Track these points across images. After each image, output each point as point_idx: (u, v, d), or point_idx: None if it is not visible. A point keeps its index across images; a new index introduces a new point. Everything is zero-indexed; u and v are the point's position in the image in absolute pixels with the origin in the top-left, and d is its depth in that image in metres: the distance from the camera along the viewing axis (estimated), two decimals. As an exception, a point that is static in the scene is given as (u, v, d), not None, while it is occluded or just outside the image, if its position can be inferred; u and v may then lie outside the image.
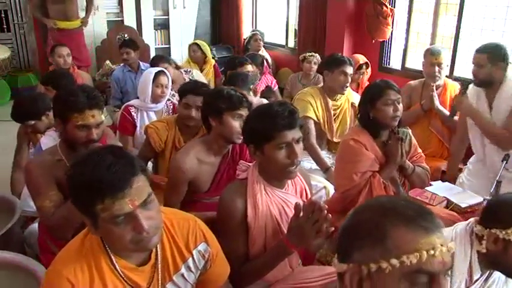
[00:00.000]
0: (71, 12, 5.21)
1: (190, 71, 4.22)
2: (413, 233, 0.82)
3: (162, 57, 4.06)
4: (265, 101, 3.03)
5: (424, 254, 0.80)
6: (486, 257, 1.39)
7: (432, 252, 0.81)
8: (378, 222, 0.85)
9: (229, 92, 2.06)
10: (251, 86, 2.87)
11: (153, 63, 3.88)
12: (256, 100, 2.94)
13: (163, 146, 2.59)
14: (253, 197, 1.65)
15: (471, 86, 2.69)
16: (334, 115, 3.19)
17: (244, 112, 2.05)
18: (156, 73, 3.09)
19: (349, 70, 3.06)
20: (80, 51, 5.25)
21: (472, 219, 1.47)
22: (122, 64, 4.49)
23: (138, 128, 3.07)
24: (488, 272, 1.46)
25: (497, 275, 1.48)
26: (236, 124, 2.03)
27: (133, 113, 3.10)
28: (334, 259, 0.93)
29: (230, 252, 1.65)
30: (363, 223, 0.88)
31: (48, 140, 2.49)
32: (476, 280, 1.44)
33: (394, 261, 0.81)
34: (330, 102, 3.16)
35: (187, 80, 4.00)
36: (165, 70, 3.18)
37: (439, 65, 3.10)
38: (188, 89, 2.53)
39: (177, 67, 4.17)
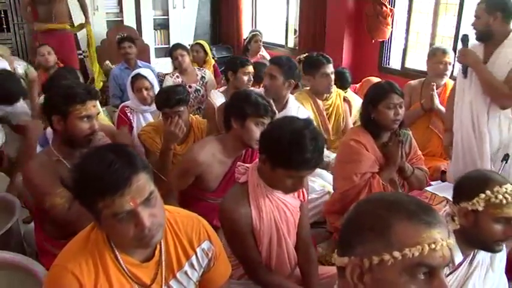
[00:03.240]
0: (59, 13, 4.95)
1: (204, 70, 4.28)
2: (416, 227, 0.84)
3: (181, 44, 4.17)
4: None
5: (425, 247, 0.82)
6: (462, 234, 1.43)
7: (433, 246, 0.82)
8: (381, 216, 0.86)
9: (256, 98, 2.06)
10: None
11: (172, 49, 4.08)
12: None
13: (154, 149, 2.58)
14: (256, 200, 1.65)
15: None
16: (327, 115, 3.19)
17: (267, 120, 2.05)
18: (132, 78, 3.09)
19: (329, 69, 3.05)
20: (67, 56, 4.91)
21: (446, 206, 1.51)
22: (120, 63, 4.51)
23: (134, 130, 3.05)
24: (471, 254, 1.50)
25: (481, 257, 1.52)
26: (257, 130, 2.03)
27: (128, 114, 3.10)
28: (334, 254, 0.93)
29: (244, 257, 1.69)
30: (365, 216, 0.89)
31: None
32: (460, 264, 1.47)
33: (397, 254, 0.82)
34: (321, 104, 3.16)
35: (199, 76, 4.09)
36: (142, 73, 3.12)
37: (446, 63, 3.12)
38: (162, 102, 2.51)
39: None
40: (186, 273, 1.33)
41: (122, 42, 4.43)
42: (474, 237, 1.42)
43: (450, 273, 1.45)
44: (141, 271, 1.24)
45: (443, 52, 3.13)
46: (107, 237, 1.20)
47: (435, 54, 3.16)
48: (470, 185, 1.43)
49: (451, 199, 2.25)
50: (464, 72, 2.54)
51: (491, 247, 1.43)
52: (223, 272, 1.46)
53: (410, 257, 0.82)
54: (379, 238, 0.84)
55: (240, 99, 2.08)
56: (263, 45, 5.54)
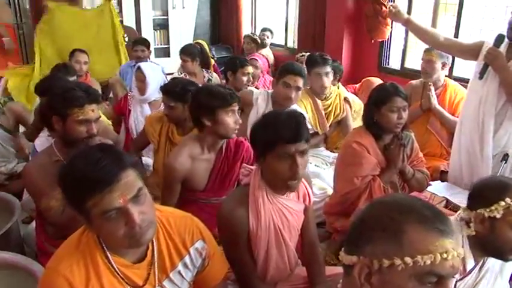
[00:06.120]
0: None
1: (211, 73, 4.32)
2: (429, 234, 0.84)
3: (186, 49, 4.15)
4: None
5: (438, 256, 0.82)
6: (476, 241, 1.41)
7: (445, 255, 0.82)
8: (395, 219, 0.86)
9: (218, 89, 2.04)
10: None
11: (180, 51, 4.15)
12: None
13: (158, 138, 2.62)
14: (255, 204, 1.62)
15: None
16: (325, 114, 3.19)
17: (236, 107, 2.04)
18: (136, 69, 3.26)
19: (323, 70, 3.03)
20: None
21: (460, 210, 1.49)
22: (130, 61, 4.61)
23: (131, 115, 3.27)
24: (482, 261, 1.48)
25: (490, 263, 1.50)
26: (231, 120, 2.03)
27: (129, 99, 3.32)
28: (341, 252, 0.93)
29: (237, 262, 1.65)
30: (379, 217, 0.88)
31: (42, 141, 2.51)
32: (471, 270, 1.46)
33: (408, 260, 0.82)
34: (320, 103, 3.16)
35: (206, 77, 4.14)
36: (141, 66, 3.24)
37: (429, 61, 3.12)
38: (162, 86, 2.65)
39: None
40: (179, 273, 1.32)
41: (136, 45, 4.44)
42: (490, 244, 1.39)
43: (460, 279, 1.44)
44: (133, 272, 1.23)
45: (426, 50, 3.15)
46: (98, 238, 1.20)
47: (423, 53, 3.21)
48: (489, 192, 1.38)
49: (450, 201, 2.28)
50: (482, 73, 2.44)
51: (506, 255, 1.40)
52: (219, 271, 1.45)
53: (421, 264, 0.82)
54: (392, 241, 0.84)
55: (204, 96, 2.05)
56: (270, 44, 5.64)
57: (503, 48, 2.41)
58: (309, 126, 2.83)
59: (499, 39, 2.41)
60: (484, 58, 2.43)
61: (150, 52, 4.65)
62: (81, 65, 4.08)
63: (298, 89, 2.72)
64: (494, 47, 2.40)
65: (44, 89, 2.81)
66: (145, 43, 4.49)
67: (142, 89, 3.18)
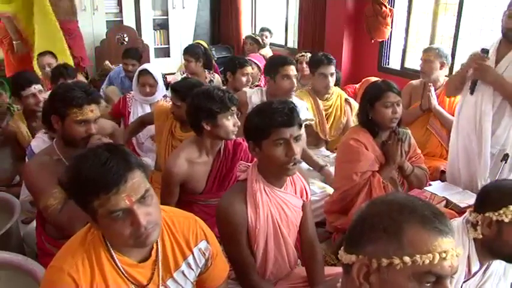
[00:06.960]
0: None
1: (213, 74, 4.33)
2: (429, 234, 0.84)
3: (190, 49, 4.12)
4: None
5: (436, 256, 0.82)
6: (483, 244, 1.40)
7: (444, 255, 0.82)
8: (395, 218, 0.86)
9: (218, 93, 2.04)
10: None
11: (184, 50, 4.12)
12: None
13: (159, 129, 2.68)
14: (253, 196, 1.63)
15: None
16: (326, 115, 3.20)
17: (235, 109, 2.07)
18: (139, 72, 3.26)
19: (327, 70, 3.05)
20: (79, 50, 5.01)
21: (466, 213, 1.49)
22: (120, 67, 4.49)
23: (131, 117, 3.28)
24: (486, 264, 1.48)
25: (495, 267, 1.50)
26: (230, 123, 2.04)
27: (128, 100, 3.32)
28: (340, 251, 0.93)
29: (237, 257, 1.66)
30: (379, 216, 0.88)
31: (38, 142, 2.50)
32: (475, 273, 1.46)
33: (407, 259, 0.82)
34: (321, 104, 3.17)
35: (208, 79, 4.15)
36: (149, 69, 3.25)
37: (427, 61, 3.14)
38: (171, 84, 2.67)
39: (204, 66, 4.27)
40: (183, 272, 1.33)
41: (126, 58, 4.22)
42: (496, 248, 1.38)
43: (465, 281, 1.43)
44: (138, 271, 1.24)
45: (424, 49, 3.18)
46: (104, 237, 1.20)
47: (422, 53, 3.22)
48: (498, 195, 1.36)
49: (450, 201, 2.28)
50: (472, 89, 2.45)
51: None
52: (221, 272, 1.46)
53: (420, 264, 0.82)
54: (391, 240, 0.85)
55: (204, 101, 2.03)
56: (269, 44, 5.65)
57: (489, 61, 2.39)
58: (305, 115, 2.86)
59: (485, 52, 2.40)
60: (473, 75, 2.43)
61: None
62: (46, 68, 3.85)
63: (295, 76, 2.87)
64: (481, 62, 2.39)
65: (14, 82, 2.89)
66: (136, 56, 4.27)
67: (152, 93, 3.24)
